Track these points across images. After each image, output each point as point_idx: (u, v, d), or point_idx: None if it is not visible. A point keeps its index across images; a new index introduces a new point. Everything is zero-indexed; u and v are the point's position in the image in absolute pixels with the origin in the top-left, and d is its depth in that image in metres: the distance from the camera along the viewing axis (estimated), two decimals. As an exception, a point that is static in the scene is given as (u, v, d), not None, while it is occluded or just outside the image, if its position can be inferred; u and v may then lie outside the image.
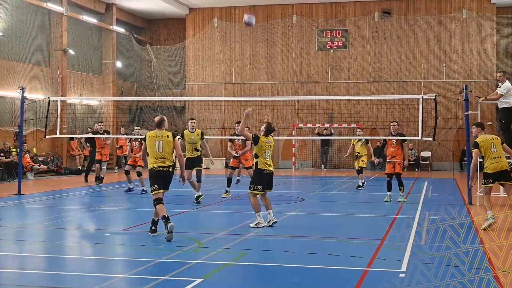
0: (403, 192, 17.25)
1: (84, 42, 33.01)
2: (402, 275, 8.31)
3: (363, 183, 21.40)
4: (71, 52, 30.72)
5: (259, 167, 12.76)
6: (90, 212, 15.47)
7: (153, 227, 11.61)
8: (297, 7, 34.95)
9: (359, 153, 21.08)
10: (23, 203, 17.60)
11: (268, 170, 12.79)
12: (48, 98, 21.28)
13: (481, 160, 12.99)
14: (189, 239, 11.37)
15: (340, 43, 34.43)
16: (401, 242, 10.75)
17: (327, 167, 32.08)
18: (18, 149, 21.72)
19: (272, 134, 13.05)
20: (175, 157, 12.00)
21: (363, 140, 21.11)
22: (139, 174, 19.39)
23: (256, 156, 12.82)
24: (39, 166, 26.33)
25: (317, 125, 32.63)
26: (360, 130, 23.94)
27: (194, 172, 16.72)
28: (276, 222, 12.69)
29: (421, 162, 32.83)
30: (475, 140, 12.90)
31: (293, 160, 34.03)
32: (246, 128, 14.22)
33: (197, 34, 36.22)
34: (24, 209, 16.72)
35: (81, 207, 16.60)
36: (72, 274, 8.88)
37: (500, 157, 12.66)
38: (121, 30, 35.50)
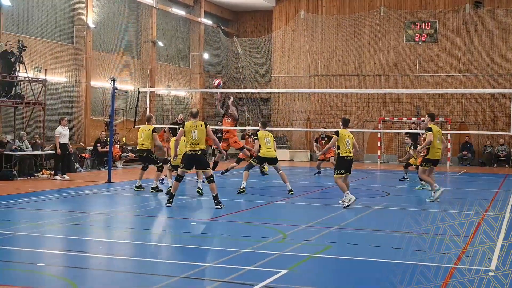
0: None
1: (173, 34, 33.56)
2: (491, 273, 8.08)
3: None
4: (160, 44, 31.30)
5: (341, 154, 14.61)
6: (178, 201, 15.66)
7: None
8: (386, -2, 34.50)
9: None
10: (113, 191, 18.08)
11: (349, 156, 14.63)
12: (138, 89, 21.79)
13: None
14: (274, 230, 11.41)
15: (429, 36, 33.76)
16: (490, 240, 10.46)
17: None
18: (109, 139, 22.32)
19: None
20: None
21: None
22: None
23: (338, 147, 14.61)
24: (127, 154, 26.95)
25: (404, 118, 32.10)
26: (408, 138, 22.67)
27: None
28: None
29: (512, 158, 31.81)
30: None
31: (379, 153, 33.62)
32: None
33: (284, 26, 36.24)
34: (113, 197, 17.18)
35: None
36: (158, 261, 9.06)
37: None
38: (208, 22, 35.91)
